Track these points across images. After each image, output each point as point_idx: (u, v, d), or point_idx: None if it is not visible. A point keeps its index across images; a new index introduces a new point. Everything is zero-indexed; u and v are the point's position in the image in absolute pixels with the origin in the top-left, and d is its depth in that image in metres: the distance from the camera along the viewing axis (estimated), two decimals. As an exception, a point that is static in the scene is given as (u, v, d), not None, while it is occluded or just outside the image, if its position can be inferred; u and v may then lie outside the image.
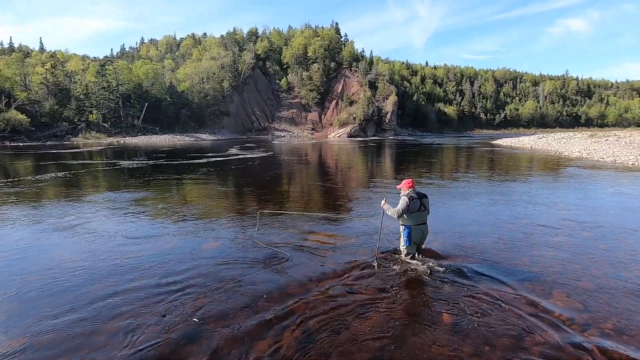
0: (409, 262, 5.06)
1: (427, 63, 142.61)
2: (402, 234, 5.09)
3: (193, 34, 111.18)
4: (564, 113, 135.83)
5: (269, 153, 29.51)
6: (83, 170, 17.03)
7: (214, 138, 66.54)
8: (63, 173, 15.84)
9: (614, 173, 15.02)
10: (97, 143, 47.27)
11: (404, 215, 4.86)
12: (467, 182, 13.13)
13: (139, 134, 59.78)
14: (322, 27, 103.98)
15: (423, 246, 5.32)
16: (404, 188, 5.04)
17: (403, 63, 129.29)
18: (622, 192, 10.67)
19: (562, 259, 5.30)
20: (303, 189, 12.32)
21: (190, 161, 22.34)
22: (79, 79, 65.28)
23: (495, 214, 8.15)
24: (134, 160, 22.69)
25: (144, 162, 21.55)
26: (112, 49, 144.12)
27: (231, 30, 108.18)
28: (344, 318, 3.69)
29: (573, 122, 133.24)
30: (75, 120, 56.82)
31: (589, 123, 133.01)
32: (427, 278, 4.65)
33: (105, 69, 63.81)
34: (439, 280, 4.58)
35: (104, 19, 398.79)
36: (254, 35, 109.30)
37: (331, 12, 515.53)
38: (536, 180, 13.26)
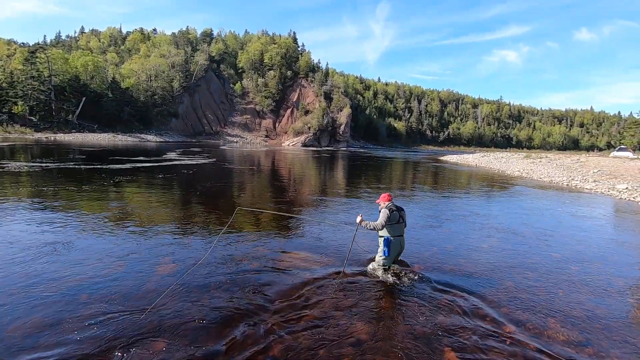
0: (377, 275, 5.07)
1: (379, 79, 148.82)
2: (381, 245, 5.09)
3: (142, 28, 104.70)
4: (499, 134, 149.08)
5: (211, 160, 26.52)
6: None
7: (161, 140, 62.53)
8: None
9: (555, 192, 16.28)
10: (20, 138, 41.80)
11: (385, 227, 4.93)
12: (425, 198, 13.32)
13: (74, 130, 54.17)
14: (280, 35, 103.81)
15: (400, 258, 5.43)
16: (383, 201, 5.15)
17: (357, 77, 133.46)
18: (562, 209, 11.46)
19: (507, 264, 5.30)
20: (238, 208, 8.79)
21: (110, 166, 17.80)
22: (1, 66, 57.81)
23: (456, 230, 8.18)
24: (36, 161, 17.83)
25: (46, 164, 16.76)
26: (45, 36, 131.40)
27: (184, 29, 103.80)
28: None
29: (506, 143, 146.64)
30: (-5, 110, 50.00)
31: (519, 144, 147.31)
32: (400, 286, 4.81)
33: (36, 57, 57.22)
34: (411, 289, 4.78)
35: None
36: (208, 36, 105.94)
37: (287, 21, 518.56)
38: (492, 197, 13.87)
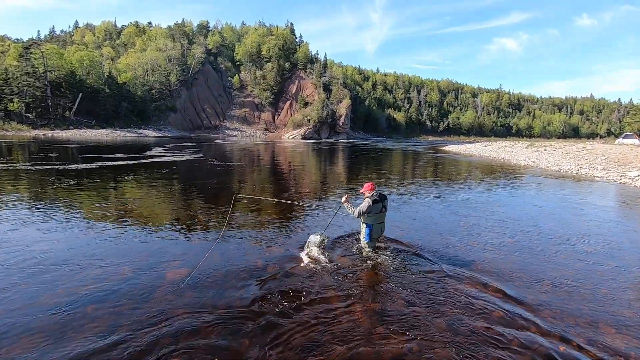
0: (368, 252, 5.44)
1: (378, 69, 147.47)
2: (363, 231, 5.46)
3: (137, 22, 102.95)
4: (498, 123, 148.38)
5: (198, 156, 23.93)
6: None
7: (160, 135, 61.95)
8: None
9: (566, 181, 15.95)
10: (18, 136, 41.26)
11: (366, 214, 5.22)
12: (437, 190, 12.99)
13: (71, 127, 53.51)
14: (277, 27, 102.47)
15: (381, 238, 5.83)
16: (367, 191, 5.41)
17: (356, 68, 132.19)
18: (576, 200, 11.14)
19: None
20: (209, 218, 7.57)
21: (77, 166, 15.37)
22: (-4, 62, 56.89)
23: (477, 225, 7.85)
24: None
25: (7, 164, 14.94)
26: (39, 31, 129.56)
27: (180, 22, 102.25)
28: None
29: (505, 132, 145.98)
30: (-9, 108, 49.26)
31: (519, 133, 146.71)
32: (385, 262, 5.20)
33: (31, 52, 56.25)
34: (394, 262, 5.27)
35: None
36: (204, 28, 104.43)
37: (284, 11, 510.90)
38: (505, 186, 13.53)
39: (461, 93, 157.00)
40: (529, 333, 3.52)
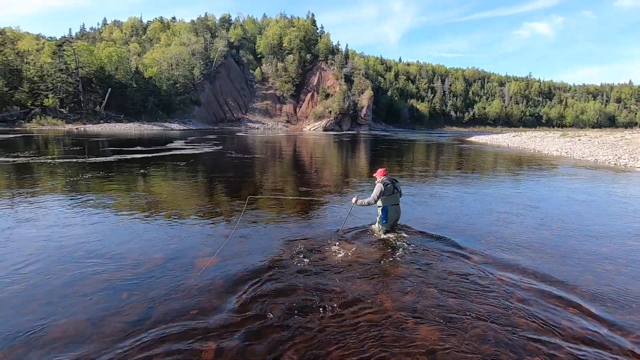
0: (378, 234, 5.74)
1: (400, 59, 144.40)
2: (379, 214, 5.77)
3: (161, 17, 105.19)
4: (527, 113, 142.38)
5: (218, 148, 23.96)
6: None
7: (184, 128, 63.34)
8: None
9: (602, 173, 15.12)
10: (53, 130, 43.28)
11: (381, 198, 5.59)
12: (467, 184, 12.61)
13: (101, 121, 55.60)
14: (298, 18, 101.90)
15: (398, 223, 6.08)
16: (379, 175, 5.80)
17: (377, 58, 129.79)
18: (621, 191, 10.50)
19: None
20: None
21: (103, 159, 15.91)
22: (32, 60, 59.51)
23: (515, 219, 7.52)
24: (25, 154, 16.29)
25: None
26: (70, 29, 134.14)
27: (202, 16, 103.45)
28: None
29: (535, 122, 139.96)
30: (29, 104, 51.82)
31: (549, 123, 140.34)
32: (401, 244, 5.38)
33: (63, 50, 58.65)
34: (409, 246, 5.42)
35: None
36: (226, 22, 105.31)
37: (305, 2, 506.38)
38: (540, 179, 12.96)
39: (488, 82, 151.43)
40: (584, 339, 3.32)
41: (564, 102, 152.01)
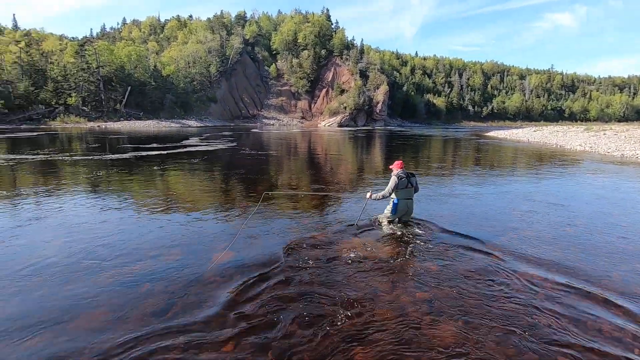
0: (382, 225, 5.86)
1: (416, 53, 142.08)
2: (390, 204, 5.87)
3: (178, 15, 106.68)
4: (549, 107, 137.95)
5: (232, 145, 24.20)
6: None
7: (201, 125, 64.25)
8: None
9: (630, 168, 14.52)
10: (76, 128, 44.67)
11: (394, 191, 5.68)
12: (487, 180, 12.34)
13: (122, 119, 57.03)
14: (313, 13, 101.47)
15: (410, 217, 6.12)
16: (395, 168, 5.85)
17: (393, 53, 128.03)
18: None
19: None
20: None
21: (119, 156, 16.23)
22: (56, 60, 61.45)
23: (543, 218, 7.31)
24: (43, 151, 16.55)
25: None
26: (91, 29, 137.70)
27: (218, 13, 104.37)
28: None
29: (557, 116, 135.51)
30: (53, 103, 53.65)
31: (572, 117, 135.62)
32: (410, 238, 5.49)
33: (85, 50, 60.32)
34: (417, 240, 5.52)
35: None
36: (242, 19, 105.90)
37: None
38: (563, 175, 12.56)
39: (507, 75, 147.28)
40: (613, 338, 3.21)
41: (587, 95, 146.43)
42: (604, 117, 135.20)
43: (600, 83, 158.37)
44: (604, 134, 28.43)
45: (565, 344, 3.00)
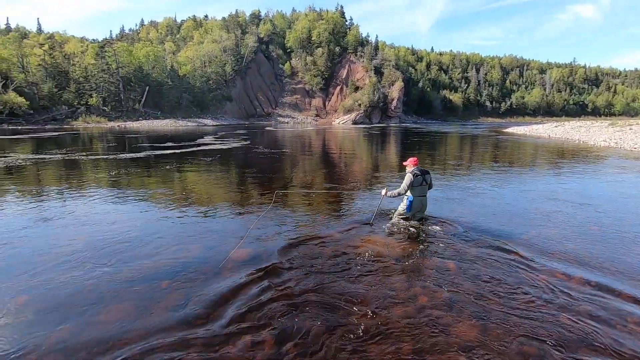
0: (398, 223, 5.81)
1: (432, 49, 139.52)
2: (404, 202, 5.83)
3: (194, 15, 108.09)
4: (571, 101, 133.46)
5: (245, 143, 24.24)
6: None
7: (217, 124, 65.06)
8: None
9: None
10: (97, 127, 45.95)
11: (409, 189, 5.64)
12: (508, 178, 12.06)
13: (140, 118, 58.31)
14: (327, 10, 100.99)
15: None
16: (410, 165, 5.83)
17: (408, 49, 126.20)
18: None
19: None
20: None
21: (136, 154, 16.51)
22: (78, 61, 63.26)
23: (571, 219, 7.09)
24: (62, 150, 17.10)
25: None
26: (111, 31, 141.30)
27: (233, 13, 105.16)
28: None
29: (579, 110, 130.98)
30: (75, 103, 55.34)
31: (595, 112, 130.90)
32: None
33: (105, 51, 61.83)
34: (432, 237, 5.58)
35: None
36: (256, 17, 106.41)
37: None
38: (587, 172, 12.15)
39: (527, 70, 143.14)
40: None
41: (612, 89, 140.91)
42: (629, 112, 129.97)
43: (626, 76, 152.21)
44: (630, 129, 27.31)
45: (593, 349, 2.89)
